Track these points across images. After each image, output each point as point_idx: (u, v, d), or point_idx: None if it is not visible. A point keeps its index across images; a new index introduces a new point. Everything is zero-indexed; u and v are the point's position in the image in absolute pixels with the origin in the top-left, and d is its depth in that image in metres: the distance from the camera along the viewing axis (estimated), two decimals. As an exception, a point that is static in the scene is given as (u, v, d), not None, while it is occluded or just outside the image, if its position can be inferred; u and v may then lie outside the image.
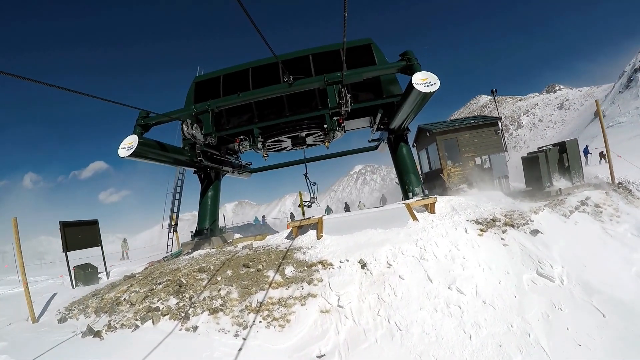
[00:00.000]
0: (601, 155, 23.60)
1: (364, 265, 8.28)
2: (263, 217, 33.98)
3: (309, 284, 7.98)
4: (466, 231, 9.75)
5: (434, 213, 11.23)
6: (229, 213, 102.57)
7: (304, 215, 12.80)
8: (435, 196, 11.56)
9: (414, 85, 9.73)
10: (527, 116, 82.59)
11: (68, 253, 12.35)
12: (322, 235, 9.85)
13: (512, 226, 10.30)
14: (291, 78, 10.39)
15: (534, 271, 8.05)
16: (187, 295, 8.33)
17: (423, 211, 11.42)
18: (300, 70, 12.68)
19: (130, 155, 11.30)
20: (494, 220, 10.70)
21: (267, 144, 13.57)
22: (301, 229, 11.15)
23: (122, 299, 8.87)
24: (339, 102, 9.49)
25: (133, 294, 9.00)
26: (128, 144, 11.40)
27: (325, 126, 12.66)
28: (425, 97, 10.11)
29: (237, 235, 15.59)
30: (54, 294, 10.78)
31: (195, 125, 11.03)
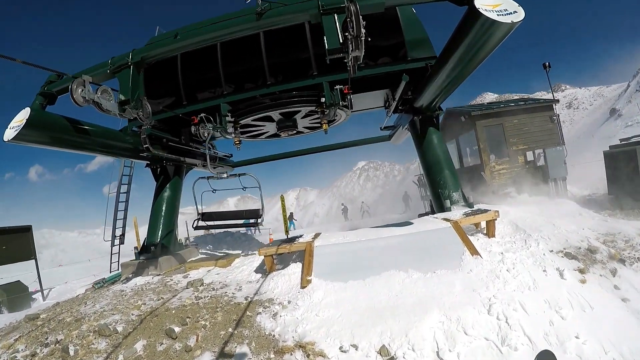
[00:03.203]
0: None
1: (391, 366, 3.76)
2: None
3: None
4: (561, 275, 5.34)
5: (494, 237, 6.66)
6: (232, 208, 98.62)
7: (287, 232, 8.18)
8: (494, 209, 6.95)
9: (481, 11, 5.11)
10: (534, 115, 77.35)
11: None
12: (310, 280, 5.26)
13: (623, 262, 6.06)
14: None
15: None
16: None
17: (474, 232, 6.85)
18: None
19: (14, 139, 6.82)
20: (591, 251, 6.32)
21: (239, 126, 9.00)
22: (279, 258, 6.63)
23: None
24: (345, 39, 4.84)
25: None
26: (17, 122, 6.93)
27: (323, 100, 8.07)
28: (497, 34, 5.51)
29: (201, 253, 11.01)
30: None
31: (104, 89, 6.44)
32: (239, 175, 8.72)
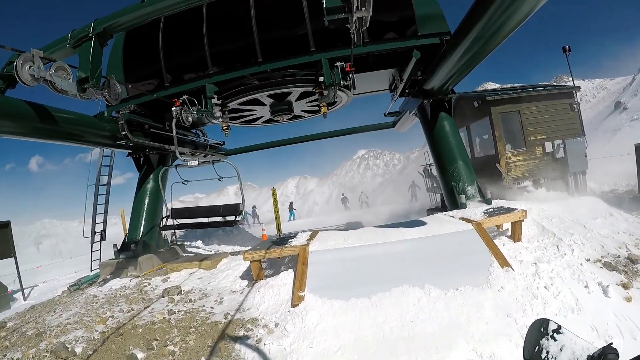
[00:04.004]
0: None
1: None
2: (253, 207, 27.87)
3: None
4: (605, 292, 4.35)
5: (520, 241, 5.62)
6: (232, 197, 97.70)
7: (279, 230, 7.10)
8: (513, 206, 5.90)
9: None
10: (536, 106, 75.74)
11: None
12: (303, 297, 4.22)
13: (669, 274, 5.02)
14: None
15: None
16: None
17: (496, 234, 5.81)
18: None
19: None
20: (632, 260, 5.33)
21: (228, 109, 7.88)
22: (269, 261, 5.60)
23: None
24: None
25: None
26: None
27: (322, 79, 6.94)
28: (526, 4, 4.41)
29: (189, 249, 9.97)
30: None
31: (59, 66, 5.30)
32: (213, 162, 7.34)
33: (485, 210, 5.96)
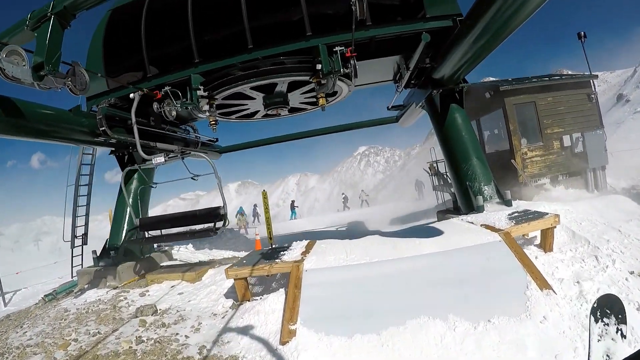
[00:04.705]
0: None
1: None
2: (254, 206, 26.89)
3: None
4: None
5: (552, 251, 4.75)
6: (232, 194, 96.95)
7: (270, 238, 6.20)
8: (552, 212, 5.01)
9: None
10: (537, 100, 74.53)
11: None
12: (295, 332, 3.35)
13: None
14: None
15: None
16: None
17: (524, 244, 4.93)
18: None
19: None
20: None
21: (215, 102, 6.98)
22: (256, 280, 4.74)
23: None
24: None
25: None
26: None
27: (320, 66, 6.03)
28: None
29: (176, 255, 9.08)
30: None
31: (12, 50, 4.41)
32: (182, 156, 6.16)
33: (509, 215, 5.07)
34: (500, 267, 3.65)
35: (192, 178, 6.03)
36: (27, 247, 57.50)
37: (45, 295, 7.83)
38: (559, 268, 4.26)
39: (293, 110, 8.18)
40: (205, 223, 5.65)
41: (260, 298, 4.49)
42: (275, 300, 4.00)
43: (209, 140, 11.86)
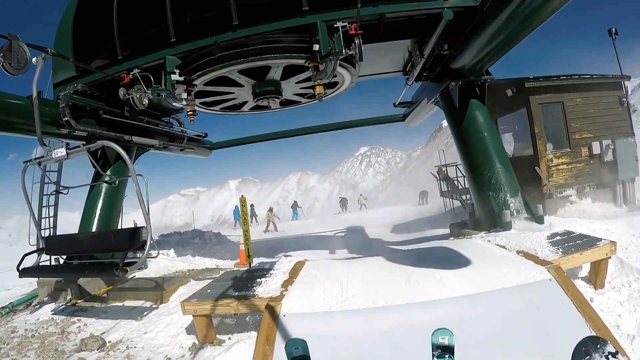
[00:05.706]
0: None
1: None
2: (252, 206, 25.68)
3: None
4: None
5: (603, 287, 3.68)
6: (233, 191, 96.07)
7: (249, 256, 5.09)
8: (607, 238, 3.92)
9: None
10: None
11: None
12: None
13: None
14: None
15: None
16: None
17: (572, 277, 3.86)
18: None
19: None
20: None
21: (193, 89, 5.90)
22: (222, 324, 3.69)
23: None
24: None
25: None
26: None
27: (317, 47, 4.94)
28: None
29: (155, 263, 8.00)
30: None
31: None
32: (86, 148, 4.80)
33: (549, 238, 3.99)
34: (554, 321, 2.57)
35: (105, 182, 4.85)
36: (24, 240, 56.17)
37: (2, 308, 6.80)
38: (622, 316, 3.19)
39: (287, 102, 7.10)
40: (121, 247, 4.21)
41: (229, 338, 3.44)
42: (243, 351, 2.94)
43: (197, 135, 10.85)
